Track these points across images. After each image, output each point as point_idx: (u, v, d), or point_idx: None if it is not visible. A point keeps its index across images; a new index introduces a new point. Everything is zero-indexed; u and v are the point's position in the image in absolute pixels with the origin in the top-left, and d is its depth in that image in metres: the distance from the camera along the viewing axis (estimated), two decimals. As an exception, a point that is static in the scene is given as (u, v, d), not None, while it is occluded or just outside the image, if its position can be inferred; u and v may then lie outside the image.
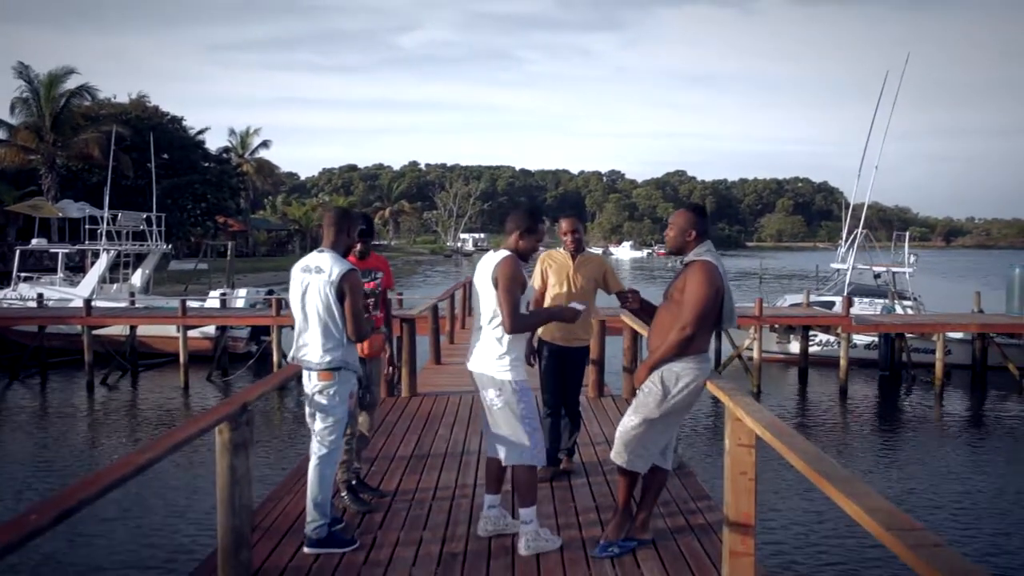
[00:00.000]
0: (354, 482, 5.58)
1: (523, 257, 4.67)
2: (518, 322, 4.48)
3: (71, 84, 43.93)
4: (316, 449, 4.74)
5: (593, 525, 5.10)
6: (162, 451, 3.41)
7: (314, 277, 4.71)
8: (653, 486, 4.76)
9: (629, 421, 4.60)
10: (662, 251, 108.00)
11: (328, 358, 4.67)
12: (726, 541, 4.11)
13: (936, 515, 9.94)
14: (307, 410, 4.83)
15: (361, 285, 4.87)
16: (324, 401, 4.72)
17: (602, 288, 6.20)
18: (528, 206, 4.93)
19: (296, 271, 4.84)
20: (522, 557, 4.52)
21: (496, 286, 4.47)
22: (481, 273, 4.63)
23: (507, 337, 4.52)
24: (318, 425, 4.74)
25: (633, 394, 9.41)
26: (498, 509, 4.87)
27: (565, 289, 6.03)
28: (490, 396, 4.57)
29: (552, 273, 6.13)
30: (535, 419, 4.62)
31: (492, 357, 4.55)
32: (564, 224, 6.21)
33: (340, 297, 4.66)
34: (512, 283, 4.45)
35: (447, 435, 7.49)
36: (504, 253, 4.60)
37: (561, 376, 6.18)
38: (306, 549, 4.67)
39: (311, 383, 4.74)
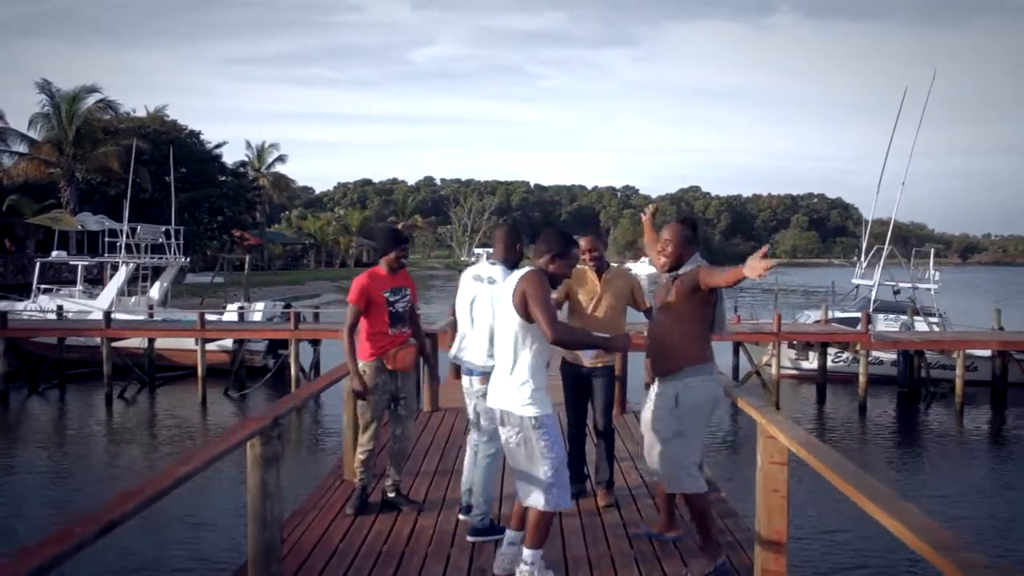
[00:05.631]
0: (392, 494, 5.84)
1: (552, 283, 4.22)
2: (560, 330, 4.05)
3: (91, 101, 44.38)
4: (485, 449, 5.12)
5: (620, 550, 5.08)
6: (199, 464, 3.46)
7: (485, 287, 5.11)
8: (695, 512, 4.63)
9: (653, 442, 4.64)
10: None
11: (491, 363, 4.73)
12: (758, 559, 4.09)
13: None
14: (470, 410, 5.28)
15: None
16: None
17: (631, 305, 6.06)
18: (562, 230, 4.68)
19: (467, 278, 5.29)
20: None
21: (521, 306, 4.03)
22: (502, 296, 4.28)
23: (529, 366, 4.08)
24: (484, 424, 5.08)
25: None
26: (517, 547, 4.37)
27: (592, 307, 5.87)
28: (506, 433, 4.17)
29: (579, 290, 5.94)
30: (559, 457, 4.13)
31: (512, 388, 4.11)
32: (584, 243, 5.76)
33: None
34: (544, 291, 4.01)
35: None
36: (527, 268, 4.22)
37: (584, 399, 5.97)
38: (469, 538, 5.08)
39: (473, 387, 5.17)
